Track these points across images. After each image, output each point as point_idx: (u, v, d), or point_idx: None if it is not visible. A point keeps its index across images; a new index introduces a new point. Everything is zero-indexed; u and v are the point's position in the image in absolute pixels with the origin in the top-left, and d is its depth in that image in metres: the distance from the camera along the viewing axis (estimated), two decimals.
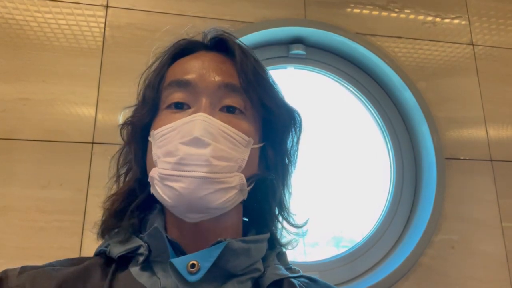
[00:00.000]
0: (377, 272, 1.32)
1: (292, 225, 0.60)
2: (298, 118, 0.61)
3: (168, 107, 0.54)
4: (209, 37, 0.60)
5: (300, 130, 0.62)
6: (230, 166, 0.50)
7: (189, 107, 0.53)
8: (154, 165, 0.51)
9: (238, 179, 0.50)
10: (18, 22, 1.22)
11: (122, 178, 0.59)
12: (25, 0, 1.23)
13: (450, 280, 1.29)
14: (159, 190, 0.50)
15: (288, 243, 0.61)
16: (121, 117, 0.69)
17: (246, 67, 0.55)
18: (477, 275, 1.31)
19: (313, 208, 1.43)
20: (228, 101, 0.53)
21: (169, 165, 0.48)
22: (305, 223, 0.61)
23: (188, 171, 0.47)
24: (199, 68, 0.54)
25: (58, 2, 1.26)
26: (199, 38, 0.61)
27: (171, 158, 0.49)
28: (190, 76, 0.53)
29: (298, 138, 0.62)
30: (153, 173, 0.51)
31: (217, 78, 0.53)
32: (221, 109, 0.53)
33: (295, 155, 0.62)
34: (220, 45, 0.58)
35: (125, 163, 0.60)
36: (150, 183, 0.52)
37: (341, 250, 1.39)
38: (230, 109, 0.53)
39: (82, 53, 1.24)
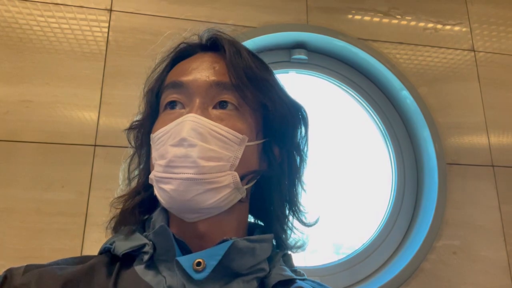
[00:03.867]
0: (379, 277, 1.31)
1: (303, 223, 0.59)
2: (302, 113, 0.61)
3: (165, 109, 0.55)
4: (204, 38, 0.60)
5: (305, 125, 0.61)
6: (221, 165, 0.49)
7: (183, 108, 0.53)
8: (153, 168, 0.52)
9: (231, 177, 0.50)
10: (21, 26, 1.23)
11: (133, 182, 0.60)
12: (28, 5, 1.24)
13: (451, 286, 1.28)
14: (156, 192, 0.51)
15: (296, 245, 0.60)
16: None
17: (237, 64, 0.54)
18: (479, 280, 1.30)
19: (313, 213, 1.42)
20: (221, 98, 0.53)
21: (161, 167, 0.49)
22: (316, 221, 0.60)
23: (176, 173, 0.48)
24: (193, 70, 0.55)
25: (61, 6, 1.27)
26: (196, 39, 0.62)
27: (163, 161, 0.49)
28: (184, 78, 0.54)
29: (305, 133, 0.61)
30: (152, 176, 0.52)
31: (209, 78, 0.53)
32: (215, 107, 0.53)
33: (304, 149, 0.61)
34: (215, 45, 0.59)
35: (135, 168, 0.61)
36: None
37: (340, 257, 1.38)
38: (222, 105, 0.53)
39: (85, 57, 1.24)
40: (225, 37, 0.58)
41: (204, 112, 0.51)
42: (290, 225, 0.60)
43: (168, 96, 0.54)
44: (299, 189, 0.61)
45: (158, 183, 0.50)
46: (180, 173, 0.48)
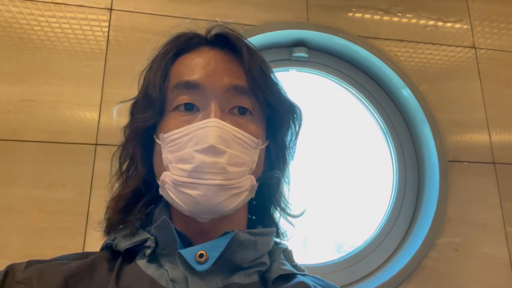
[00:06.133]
0: (380, 274, 1.31)
1: (289, 215, 0.61)
2: (299, 112, 0.62)
3: (176, 109, 0.53)
4: (213, 33, 0.59)
5: (300, 124, 0.62)
6: (244, 170, 0.51)
7: (198, 109, 0.52)
8: (164, 168, 0.51)
9: (250, 181, 0.52)
10: (22, 26, 1.23)
11: (124, 176, 0.58)
12: (29, 4, 1.24)
13: (453, 283, 1.28)
14: (172, 195, 0.50)
15: (287, 234, 0.63)
16: (115, 111, 0.68)
17: (254, 68, 0.54)
18: (480, 278, 1.30)
19: (314, 212, 1.42)
20: (238, 103, 0.53)
21: (185, 172, 0.48)
22: (302, 213, 0.62)
23: (205, 179, 0.48)
24: (205, 68, 0.53)
25: (62, 6, 1.27)
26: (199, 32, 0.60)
27: (186, 166, 0.48)
28: (197, 77, 0.52)
29: (298, 132, 0.62)
30: (165, 177, 0.51)
31: (225, 80, 0.52)
32: (230, 111, 0.53)
33: (294, 147, 0.63)
34: (225, 42, 0.57)
35: (128, 162, 0.59)
36: (160, 185, 0.52)
37: (342, 255, 1.38)
38: (241, 111, 0.53)
39: (86, 56, 1.24)
40: (239, 36, 0.57)
41: (222, 116, 0.51)
42: (284, 218, 0.62)
43: (181, 96, 0.53)
44: (288, 185, 0.63)
45: (178, 187, 0.49)
46: (210, 179, 0.48)
